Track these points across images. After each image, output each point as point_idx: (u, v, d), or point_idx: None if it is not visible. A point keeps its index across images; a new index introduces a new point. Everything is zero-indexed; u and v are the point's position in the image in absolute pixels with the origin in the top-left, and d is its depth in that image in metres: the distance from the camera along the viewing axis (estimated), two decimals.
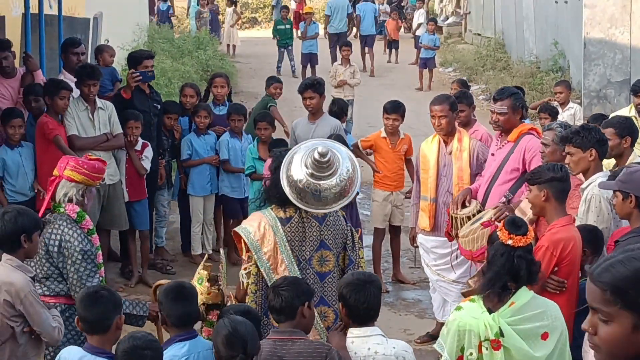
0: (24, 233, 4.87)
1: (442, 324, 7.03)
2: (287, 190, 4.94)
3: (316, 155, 4.84)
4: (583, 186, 5.79)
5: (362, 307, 4.26)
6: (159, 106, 9.10)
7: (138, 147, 8.61)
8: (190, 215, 9.37)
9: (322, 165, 4.87)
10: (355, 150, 8.82)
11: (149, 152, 8.69)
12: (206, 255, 6.74)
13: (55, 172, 5.34)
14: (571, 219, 5.36)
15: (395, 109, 8.71)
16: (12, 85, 8.61)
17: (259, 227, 5.05)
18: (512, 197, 6.36)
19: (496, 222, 5.91)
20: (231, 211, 9.46)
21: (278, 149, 5.66)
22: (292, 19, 23.15)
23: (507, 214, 5.93)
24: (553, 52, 18.28)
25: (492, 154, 6.81)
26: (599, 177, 5.62)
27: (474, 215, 6.25)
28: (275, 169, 5.02)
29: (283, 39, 21.46)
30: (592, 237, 5.34)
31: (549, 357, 4.23)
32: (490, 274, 4.25)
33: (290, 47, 21.46)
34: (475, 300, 4.28)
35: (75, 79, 8.53)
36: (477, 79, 20.65)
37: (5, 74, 8.67)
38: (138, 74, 8.58)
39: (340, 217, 5.17)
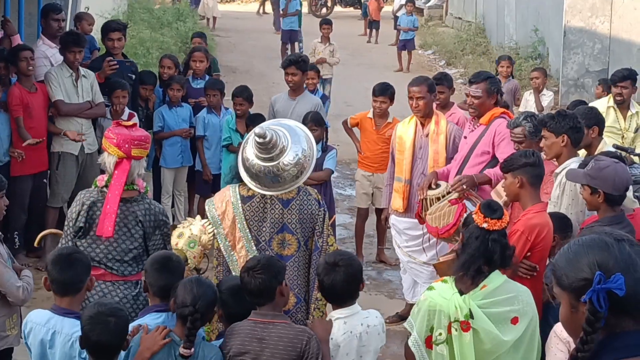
0: None
1: (412, 305, 7.10)
2: (241, 170, 5.00)
3: (255, 137, 4.88)
4: (557, 171, 5.84)
5: (339, 287, 4.33)
6: (134, 76, 9.07)
7: (125, 116, 8.57)
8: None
9: (263, 147, 4.89)
10: (344, 126, 8.87)
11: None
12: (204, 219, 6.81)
13: (120, 154, 5.05)
14: (545, 205, 5.40)
15: (383, 92, 8.67)
16: None
17: (221, 202, 5.10)
18: (481, 174, 6.44)
19: (464, 200, 6.02)
20: (200, 188, 9.39)
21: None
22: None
23: (465, 186, 6.11)
24: (533, 38, 18.33)
25: (465, 137, 6.87)
26: (573, 163, 5.68)
27: (443, 197, 6.28)
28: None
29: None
30: (561, 224, 5.40)
31: (518, 342, 4.25)
32: (464, 257, 4.26)
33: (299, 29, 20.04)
34: (447, 281, 4.30)
35: (54, 45, 8.50)
36: (456, 63, 20.68)
37: None
38: (115, 62, 8.63)
39: (311, 202, 5.11)
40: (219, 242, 5.12)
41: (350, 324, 4.37)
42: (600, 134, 6.66)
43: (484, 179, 6.37)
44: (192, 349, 4.08)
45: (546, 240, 5.12)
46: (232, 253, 5.06)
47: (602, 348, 2.40)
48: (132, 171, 5.07)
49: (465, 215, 5.73)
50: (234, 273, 5.02)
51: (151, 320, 4.37)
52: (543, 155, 5.98)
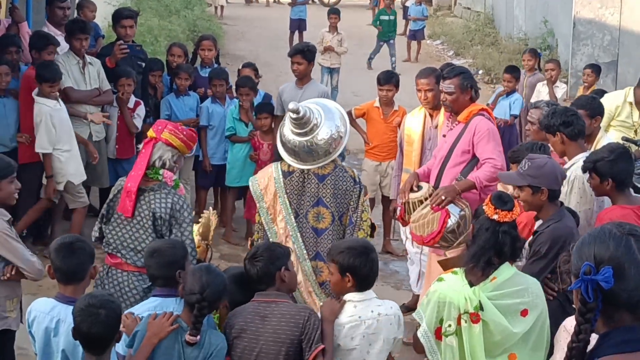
0: None
1: (418, 296, 7.09)
2: (280, 147, 5.36)
3: (289, 113, 5.22)
4: (565, 167, 5.81)
5: (368, 272, 4.40)
6: (143, 64, 9.06)
7: (131, 104, 8.57)
8: None
9: (297, 122, 5.22)
10: (349, 117, 8.81)
11: (141, 111, 8.65)
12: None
13: (152, 133, 5.21)
14: None
15: (388, 79, 8.65)
16: None
17: (264, 177, 5.49)
18: (462, 180, 6.12)
19: (447, 207, 5.82)
20: (201, 179, 9.32)
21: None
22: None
23: (444, 198, 5.82)
24: (542, 30, 18.26)
25: (444, 135, 6.61)
26: (580, 158, 5.65)
27: (425, 199, 6.05)
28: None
29: (386, 32, 19.12)
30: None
31: (528, 334, 4.24)
32: (474, 248, 4.25)
33: (392, 41, 19.13)
34: (458, 273, 4.29)
35: (60, 33, 8.50)
36: (465, 53, 20.62)
37: None
38: (126, 46, 8.60)
39: (346, 179, 5.41)
40: (261, 215, 5.46)
41: (360, 309, 4.38)
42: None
43: (467, 184, 6.00)
44: (198, 337, 4.09)
45: None
46: (272, 226, 5.40)
47: (603, 342, 2.41)
48: (155, 151, 5.14)
49: (449, 221, 5.71)
50: None
51: (147, 305, 4.43)
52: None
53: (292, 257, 4.96)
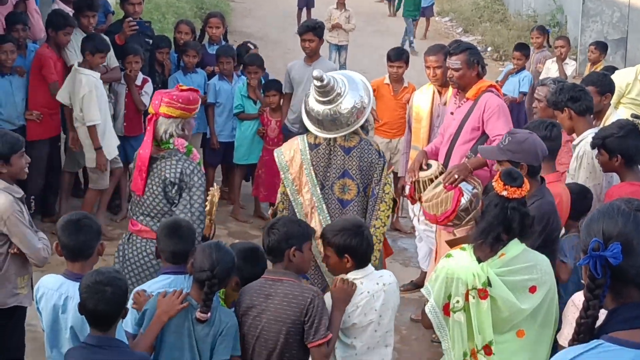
0: None
1: (426, 273, 7.10)
2: (304, 118, 5.49)
3: (314, 80, 5.35)
4: (574, 143, 5.80)
5: (366, 249, 4.46)
6: (150, 41, 9.03)
7: (138, 82, 8.56)
8: None
9: (322, 89, 5.34)
10: None
11: (149, 88, 8.63)
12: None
13: (151, 109, 5.28)
14: (559, 175, 5.35)
15: (398, 56, 8.63)
16: (3, 13, 8.49)
17: (290, 149, 5.61)
18: (473, 157, 6.11)
19: (460, 186, 5.82)
20: (209, 156, 9.26)
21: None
22: None
23: (457, 176, 5.81)
24: (551, 6, 18.18)
25: (452, 113, 6.56)
26: (589, 134, 5.64)
27: (436, 177, 6.03)
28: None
29: (411, 10, 18.84)
30: (581, 197, 5.37)
31: (536, 311, 4.23)
32: (483, 224, 4.23)
33: (416, 20, 18.97)
34: (466, 249, 4.28)
35: (69, 9, 8.47)
36: (474, 30, 20.54)
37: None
38: (135, 22, 8.58)
39: (371, 152, 5.53)
40: (286, 186, 5.60)
41: (367, 285, 4.44)
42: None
43: (479, 162, 5.95)
44: (209, 314, 4.09)
45: (560, 209, 5.06)
46: (297, 197, 5.56)
47: (611, 318, 2.41)
48: (159, 128, 5.19)
49: (462, 199, 5.72)
50: (298, 215, 5.50)
51: (159, 282, 4.43)
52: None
53: (318, 228, 5.12)
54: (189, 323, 4.15)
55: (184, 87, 5.35)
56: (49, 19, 8.18)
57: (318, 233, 4.92)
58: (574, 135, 5.89)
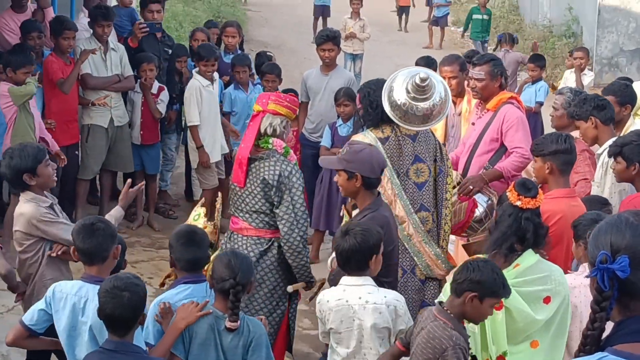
0: (25, 172, 4.97)
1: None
2: (388, 111, 5.54)
3: (418, 80, 5.49)
4: (599, 151, 5.83)
5: (347, 255, 4.31)
6: (169, 51, 9.07)
7: (154, 90, 8.59)
8: None
9: (422, 89, 5.49)
10: None
11: (164, 96, 8.67)
12: (202, 197, 6.92)
13: (257, 107, 5.46)
14: (571, 192, 5.29)
15: (429, 65, 8.62)
16: (20, 20, 8.56)
17: None
18: (491, 168, 6.17)
19: (474, 197, 5.85)
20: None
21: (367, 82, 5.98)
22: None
23: (471, 188, 5.89)
24: (567, 17, 18.15)
25: (473, 123, 6.61)
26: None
27: (454, 187, 6.01)
28: (364, 98, 5.70)
29: (478, 32, 18.30)
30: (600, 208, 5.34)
31: (550, 321, 4.24)
32: (496, 234, 4.25)
33: (486, 43, 18.17)
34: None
35: None
36: (489, 41, 20.50)
37: (18, 8, 8.64)
38: (145, 25, 8.62)
39: (430, 134, 5.71)
40: None
41: (348, 294, 4.33)
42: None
43: (494, 174, 6.05)
44: (238, 322, 4.10)
45: (557, 226, 4.93)
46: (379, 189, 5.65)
47: (617, 330, 2.40)
48: (264, 121, 5.39)
49: (476, 210, 5.77)
50: None
51: (181, 293, 4.42)
52: (577, 135, 5.95)
53: (402, 213, 5.45)
54: (215, 335, 4.14)
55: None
56: (50, 27, 8.22)
57: (402, 219, 5.37)
58: (596, 146, 5.91)
